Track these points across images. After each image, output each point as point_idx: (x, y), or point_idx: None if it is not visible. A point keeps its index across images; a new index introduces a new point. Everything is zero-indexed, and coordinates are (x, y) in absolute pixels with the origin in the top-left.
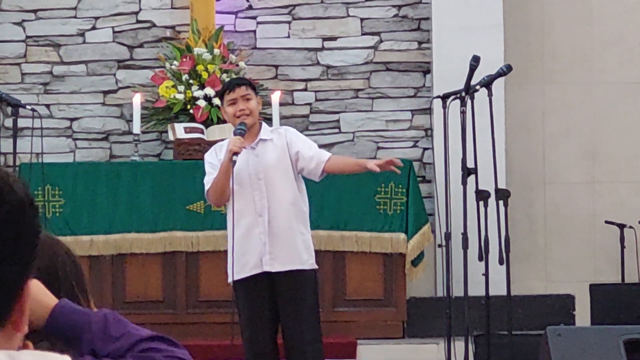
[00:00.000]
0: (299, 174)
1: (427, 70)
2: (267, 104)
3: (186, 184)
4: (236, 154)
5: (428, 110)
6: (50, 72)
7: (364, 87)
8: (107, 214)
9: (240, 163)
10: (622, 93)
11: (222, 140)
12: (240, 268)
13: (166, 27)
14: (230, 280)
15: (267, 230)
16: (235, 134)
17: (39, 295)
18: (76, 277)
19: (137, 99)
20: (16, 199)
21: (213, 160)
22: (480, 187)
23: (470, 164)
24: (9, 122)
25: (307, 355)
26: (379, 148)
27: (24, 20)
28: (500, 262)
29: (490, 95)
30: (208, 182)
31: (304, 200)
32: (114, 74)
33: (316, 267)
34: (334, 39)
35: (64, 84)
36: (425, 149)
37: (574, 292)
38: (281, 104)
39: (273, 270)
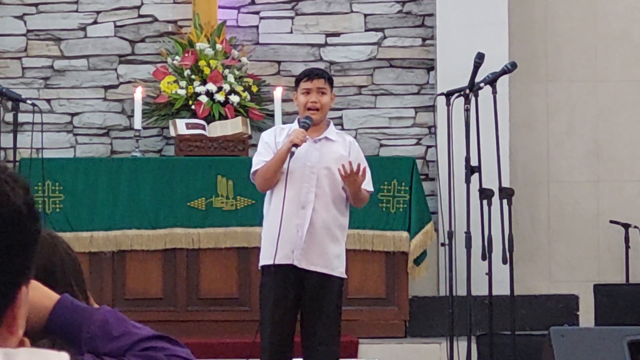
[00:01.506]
0: None
1: (431, 67)
2: (270, 100)
3: (187, 180)
4: (296, 145)
5: (432, 108)
6: (51, 67)
7: (367, 83)
8: (107, 210)
9: (298, 152)
10: (627, 91)
11: (224, 135)
12: (270, 254)
13: (168, 22)
14: (261, 264)
15: (306, 225)
16: (299, 126)
17: (38, 297)
18: (75, 275)
19: (139, 95)
20: (11, 209)
21: (270, 142)
22: (483, 186)
23: (474, 162)
24: (9, 117)
25: (321, 356)
26: (381, 145)
27: (25, 14)
28: (504, 262)
29: (494, 92)
30: (258, 163)
31: (346, 211)
32: (115, 69)
33: (345, 277)
34: (337, 34)
35: (65, 78)
36: (428, 146)
37: (577, 292)
38: (283, 100)
39: (300, 266)
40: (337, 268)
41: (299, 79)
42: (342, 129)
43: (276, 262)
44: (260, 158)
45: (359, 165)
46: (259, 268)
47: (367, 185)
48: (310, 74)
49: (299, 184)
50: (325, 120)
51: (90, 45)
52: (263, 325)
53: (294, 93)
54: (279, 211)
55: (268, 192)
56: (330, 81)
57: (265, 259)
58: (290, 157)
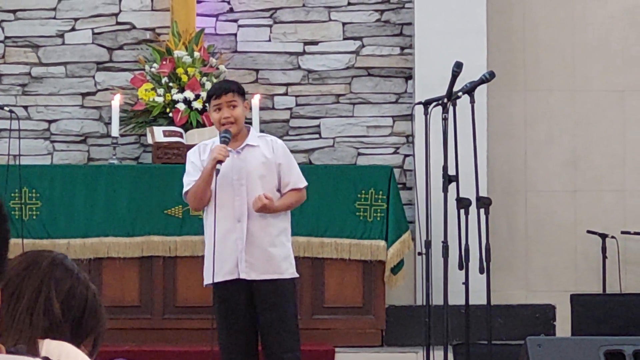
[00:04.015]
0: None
1: (409, 76)
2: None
3: (164, 188)
4: (220, 162)
5: (409, 117)
6: (29, 74)
7: (345, 92)
8: (84, 218)
9: (224, 167)
10: (605, 101)
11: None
12: (216, 272)
13: (146, 29)
14: (205, 283)
15: (245, 237)
16: (220, 142)
17: None
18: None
19: (116, 102)
20: None
21: (195, 160)
22: (461, 195)
23: (451, 172)
24: None
25: None
26: (359, 154)
27: (2, 21)
28: (481, 271)
29: (472, 102)
30: (188, 183)
31: (285, 213)
32: (93, 76)
33: (297, 275)
34: (315, 43)
35: (43, 85)
36: (406, 155)
37: (554, 302)
38: (261, 109)
39: (249, 278)
40: (287, 270)
41: (208, 98)
42: (320, 138)
43: (221, 279)
44: (190, 178)
45: (262, 197)
46: (205, 286)
47: (297, 183)
48: (217, 91)
49: (231, 198)
50: (244, 128)
51: (68, 52)
52: (221, 344)
53: (208, 111)
54: (215, 229)
55: (204, 210)
56: (240, 92)
57: (207, 278)
58: (216, 174)
